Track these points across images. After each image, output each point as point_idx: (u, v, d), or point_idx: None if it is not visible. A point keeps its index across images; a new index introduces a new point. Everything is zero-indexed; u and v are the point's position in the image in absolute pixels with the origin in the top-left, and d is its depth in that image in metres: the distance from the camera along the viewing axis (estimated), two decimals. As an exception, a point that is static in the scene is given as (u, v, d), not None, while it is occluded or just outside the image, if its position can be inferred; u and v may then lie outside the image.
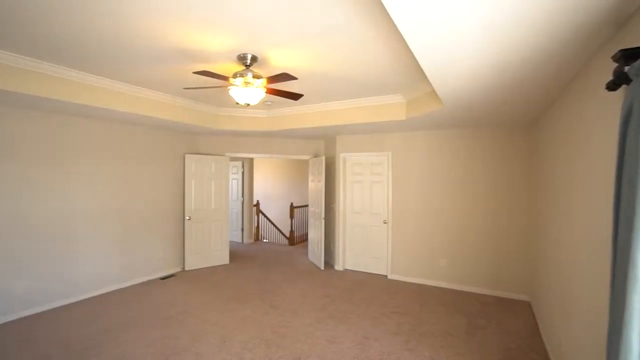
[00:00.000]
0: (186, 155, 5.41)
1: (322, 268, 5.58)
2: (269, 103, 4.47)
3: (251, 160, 7.85)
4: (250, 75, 2.66)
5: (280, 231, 8.82)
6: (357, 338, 3.24)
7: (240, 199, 7.64)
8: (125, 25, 2.24)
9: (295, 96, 3.04)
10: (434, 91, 3.45)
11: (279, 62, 2.86)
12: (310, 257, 6.21)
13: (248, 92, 2.70)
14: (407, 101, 4.08)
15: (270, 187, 10.56)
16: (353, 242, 5.59)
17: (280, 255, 6.68)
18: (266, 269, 5.62)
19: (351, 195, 5.63)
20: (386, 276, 5.24)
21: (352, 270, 5.55)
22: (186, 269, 5.44)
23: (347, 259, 5.63)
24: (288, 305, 4.04)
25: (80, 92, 3.37)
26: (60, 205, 4.00)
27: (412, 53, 2.57)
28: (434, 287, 4.80)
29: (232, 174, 7.66)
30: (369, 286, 4.79)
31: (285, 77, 2.48)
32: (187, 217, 5.40)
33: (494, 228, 4.53)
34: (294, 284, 4.85)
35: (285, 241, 8.55)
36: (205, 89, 2.86)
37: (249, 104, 2.80)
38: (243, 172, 7.65)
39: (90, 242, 4.29)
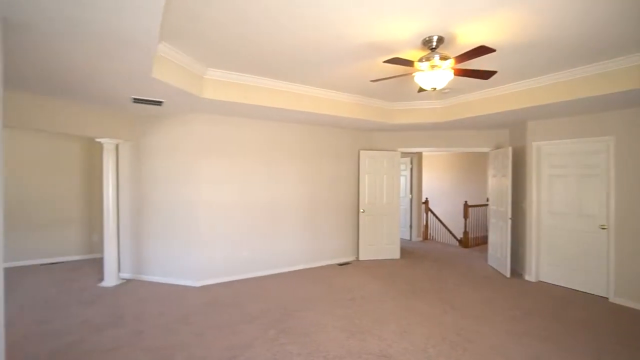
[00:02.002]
0: (361, 152, 5.76)
1: (508, 275, 4.82)
2: (447, 91, 4.20)
3: (420, 156, 7.64)
4: (437, 57, 2.54)
5: (450, 231, 8.22)
6: (570, 365, 2.60)
7: (409, 195, 7.56)
8: (325, 30, 2.53)
9: (486, 75, 2.72)
10: None
11: (467, 39, 2.62)
12: (491, 261, 5.48)
13: (434, 75, 2.59)
14: (647, 62, 3.00)
15: (440, 184, 10.02)
16: (551, 248, 4.58)
17: (453, 257, 6.20)
18: (439, 269, 5.32)
19: (548, 192, 4.63)
20: (607, 298, 4.02)
21: (549, 283, 4.56)
22: (360, 258, 5.78)
23: (542, 268, 4.66)
24: (470, 309, 3.66)
25: (287, 98, 4.08)
26: (272, 195, 4.97)
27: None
28: (697, 324, 3.35)
29: (401, 170, 7.67)
30: (580, 307, 3.79)
31: (480, 51, 2.24)
32: (362, 210, 5.73)
33: None
34: (473, 288, 4.38)
35: (456, 242, 7.91)
36: (390, 79, 2.93)
37: (435, 89, 2.68)
38: (411, 168, 7.55)
39: (286, 227, 5.13)
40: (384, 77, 2.91)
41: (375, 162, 5.82)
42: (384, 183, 5.84)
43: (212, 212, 4.52)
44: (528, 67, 3.35)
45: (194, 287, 4.33)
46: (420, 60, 2.59)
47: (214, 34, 2.65)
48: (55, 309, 3.62)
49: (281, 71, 3.58)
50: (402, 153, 6.21)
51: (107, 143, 4.38)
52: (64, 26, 1.90)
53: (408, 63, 2.52)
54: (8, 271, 4.66)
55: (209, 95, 3.58)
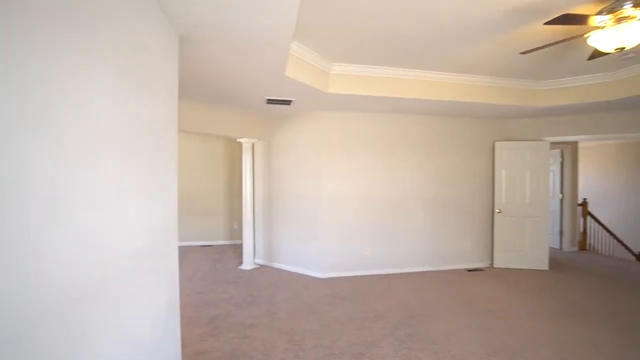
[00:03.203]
0: (496, 143, 5.00)
1: None
2: (631, 55, 3.16)
3: (574, 146, 6.20)
4: (628, 4, 1.91)
5: (621, 242, 6.43)
6: None
7: (559, 195, 6.22)
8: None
9: None
10: None
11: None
12: (698, 287, 4.00)
13: (624, 30, 1.95)
14: None
15: (603, 181, 8.00)
16: None
17: (630, 274, 4.79)
18: (609, 288, 4.16)
19: None
20: None
21: None
22: (494, 265, 5.03)
23: None
24: (671, 347, 2.70)
25: (411, 87, 3.83)
26: (394, 192, 4.78)
27: None
28: None
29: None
30: None
31: None
32: (497, 210, 4.97)
33: None
34: (672, 319, 3.25)
35: (631, 257, 6.16)
36: (549, 46, 2.36)
37: (622, 49, 2.02)
38: (562, 163, 6.19)
39: (408, 225, 4.83)
40: (541, 45, 2.36)
41: (515, 155, 4.95)
42: (527, 179, 4.92)
43: (335, 206, 4.59)
44: None
45: (319, 279, 4.49)
46: (600, 13, 1.99)
47: (338, 27, 2.63)
48: (209, 283, 4.27)
49: (407, 58, 3.36)
50: (551, 143, 5.12)
51: (246, 142, 4.95)
52: (218, 35, 2.15)
53: (581, 20, 1.97)
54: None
55: (334, 90, 3.62)
